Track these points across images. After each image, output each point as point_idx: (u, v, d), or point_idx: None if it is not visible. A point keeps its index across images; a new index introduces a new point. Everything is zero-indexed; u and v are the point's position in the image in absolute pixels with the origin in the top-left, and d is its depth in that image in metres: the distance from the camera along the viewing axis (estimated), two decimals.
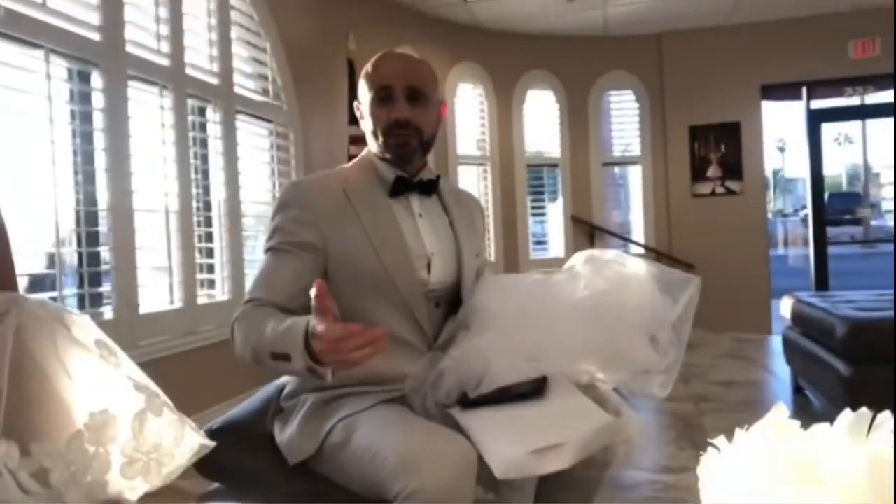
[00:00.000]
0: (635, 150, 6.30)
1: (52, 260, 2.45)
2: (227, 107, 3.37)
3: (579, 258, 1.44)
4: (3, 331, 0.96)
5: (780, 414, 0.74)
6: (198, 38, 3.23)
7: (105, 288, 2.63)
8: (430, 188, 1.47)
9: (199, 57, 3.23)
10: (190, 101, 3.12)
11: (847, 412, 0.68)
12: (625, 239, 6.22)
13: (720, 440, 0.78)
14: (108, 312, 2.62)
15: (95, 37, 2.59)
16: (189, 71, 3.10)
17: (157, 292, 2.93)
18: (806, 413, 3.32)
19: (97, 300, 2.62)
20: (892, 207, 13.42)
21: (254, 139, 3.69)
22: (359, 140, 3.30)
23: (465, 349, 1.30)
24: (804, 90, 5.95)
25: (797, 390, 3.73)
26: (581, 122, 6.17)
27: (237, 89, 3.48)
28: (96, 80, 2.61)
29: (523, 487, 1.29)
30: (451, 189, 1.58)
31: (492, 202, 5.90)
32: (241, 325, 1.27)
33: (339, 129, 4.25)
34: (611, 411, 1.28)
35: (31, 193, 2.32)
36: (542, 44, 6.01)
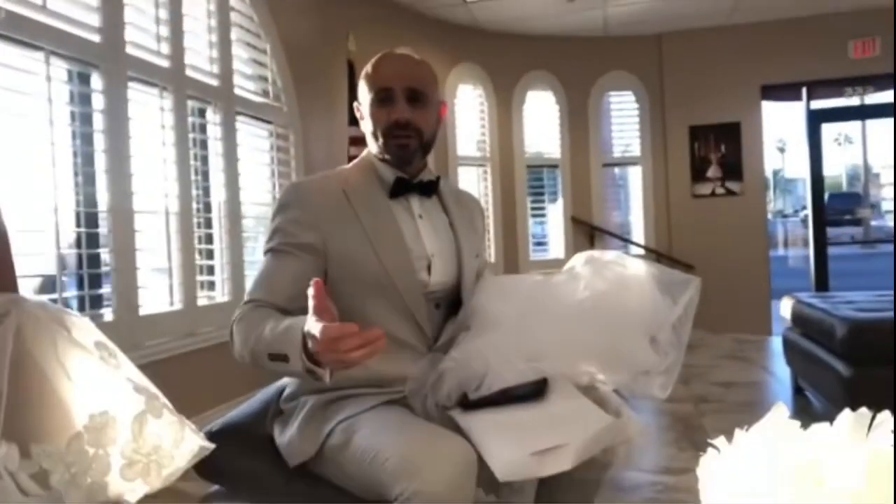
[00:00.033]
0: (635, 150, 6.30)
1: (62, 262, 2.46)
2: (227, 108, 3.37)
3: (579, 259, 1.44)
4: (3, 332, 0.96)
5: (779, 414, 0.74)
6: (198, 40, 3.23)
7: (105, 290, 2.63)
8: (430, 189, 1.47)
9: (199, 58, 3.23)
10: (190, 103, 3.12)
11: (847, 412, 0.68)
12: (625, 240, 6.22)
13: (720, 441, 0.78)
14: (108, 314, 2.62)
15: (95, 38, 2.59)
16: (189, 72, 3.10)
17: (157, 294, 2.93)
18: (806, 414, 3.31)
19: (97, 302, 2.62)
20: (892, 208, 13.41)
21: (254, 140, 3.69)
22: (359, 141, 3.30)
23: (466, 350, 1.30)
24: (804, 90, 5.95)
25: (797, 391, 3.72)
26: (581, 122, 6.17)
27: (237, 90, 3.48)
28: (96, 81, 2.61)
29: (523, 489, 1.29)
30: (451, 190, 1.57)
31: (492, 203, 5.90)
32: (239, 326, 1.27)
33: (340, 131, 4.25)
34: (611, 412, 1.28)
35: (32, 195, 2.32)
36: (542, 44, 6.01)
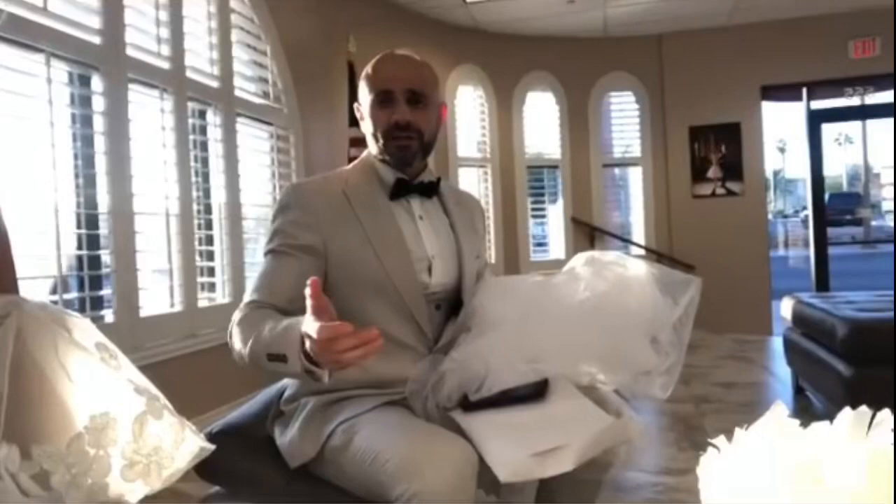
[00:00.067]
0: (635, 151, 6.30)
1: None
2: (227, 109, 3.37)
3: (579, 260, 1.44)
4: (4, 333, 0.96)
5: (779, 413, 0.74)
6: (198, 42, 3.23)
7: (106, 291, 2.63)
8: (430, 190, 1.47)
9: (200, 60, 3.23)
10: (190, 104, 3.12)
11: (847, 410, 0.68)
12: (625, 240, 6.22)
13: (720, 440, 0.78)
14: (108, 315, 2.62)
15: (96, 40, 2.59)
16: (189, 74, 3.11)
17: (157, 295, 2.94)
18: (807, 414, 3.31)
19: (98, 303, 2.62)
20: (892, 208, 13.41)
21: (254, 142, 3.69)
22: (359, 142, 3.31)
23: (466, 351, 1.30)
24: (804, 91, 5.96)
25: (798, 391, 3.72)
26: (581, 123, 6.17)
27: (237, 92, 3.48)
28: (97, 83, 2.62)
29: (524, 489, 1.29)
30: (451, 191, 1.57)
31: (492, 204, 5.90)
32: (239, 327, 1.26)
33: (340, 132, 4.25)
34: (611, 413, 1.28)
35: (32, 197, 2.32)
36: (542, 45, 6.02)
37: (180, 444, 1.04)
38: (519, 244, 6.06)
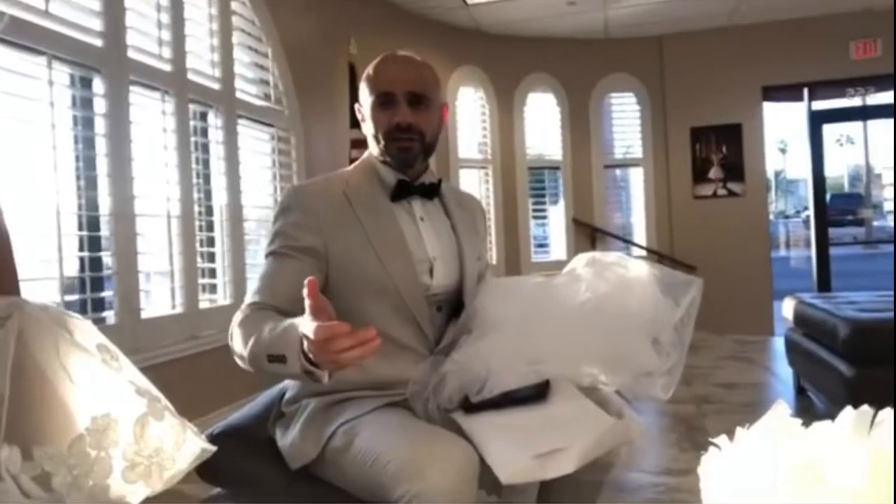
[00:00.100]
0: (636, 152, 6.30)
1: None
2: (228, 111, 3.38)
3: (580, 261, 1.44)
4: (5, 335, 0.96)
5: (780, 412, 0.74)
6: (199, 44, 3.23)
7: (107, 293, 2.64)
8: (432, 192, 1.47)
9: (201, 62, 3.24)
10: (192, 106, 3.13)
11: (849, 409, 0.68)
12: (626, 241, 6.22)
13: (721, 439, 0.78)
14: (110, 317, 2.62)
15: (98, 42, 2.59)
16: (191, 76, 3.11)
17: (158, 297, 2.94)
18: (809, 414, 3.30)
19: (99, 305, 2.62)
20: (893, 208, 13.39)
21: (255, 143, 3.69)
22: (360, 144, 3.30)
23: (467, 353, 1.30)
24: (805, 91, 5.95)
25: (800, 392, 3.72)
26: (582, 124, 6.17)
27: (239, 94, 3.49)
28: (98, 85, 2.62)
29: (526, 490, 1.29)
30: (452, 192, 1.57)
31: (493, 205, 5.90)
32: (240, 328, 1.26)
33: (341, 133, 4.26)
34: (613, 414, 1.27)
35: (34, 199, 2.32)
36: (543, 47, 6.02)
37: (181, 445, 1.04)
38: (520, 245, 6.06)
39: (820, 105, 6.04)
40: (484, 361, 1.27)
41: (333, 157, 4.20)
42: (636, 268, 1.39)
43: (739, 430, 0.77)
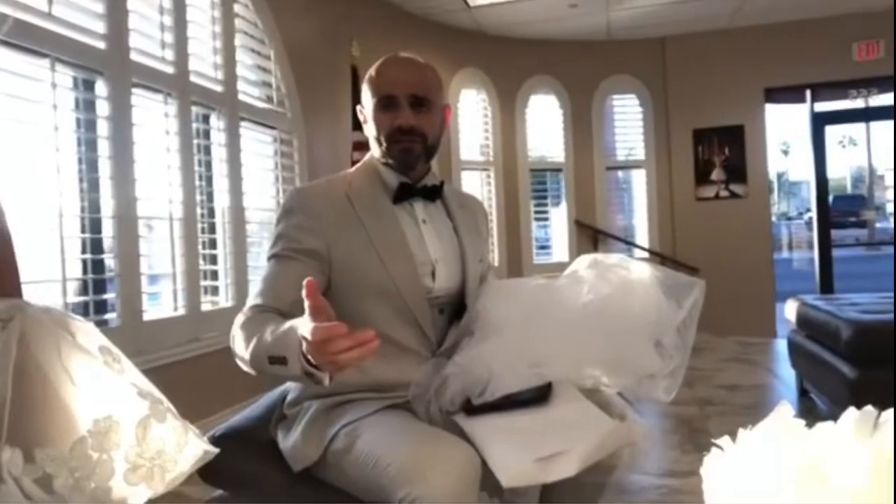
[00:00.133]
0: (639, 153, 6.30)
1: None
2: (231, 114, 3.38)
3: (583, 262, 1.43)
4: (7, 337, 0.96)
5: (783, 413, 0.74)
6: (202, 46, 3.24)
7: (110, 295, 2.64)
8: (434, 194, 1.47)
9: (204, 64, 3.24)
10: (194, 109, 3.13)
11: (852, 410, 0.68)
12: (628, 243, 6.21)
13: (724, 440, 0.78)
14: (112, 319, 2.62)
15: (100, 45, 2.60)
16: (193, 78, 3.12)
17: (161, 299, 2.94)
18: (812, 416, 3.28)
19: (102, 307, 2.62)
20: (894, 210, 13.37)
21: (258, 146, 3.70)
22: (362, 146, 3.31)
23: (469, 355, 1.30)
24: (808, 93, 5.95)
25: (803, 393, 3.71)
26: (584, 126, 6.17)
27: (241, 96, 3.49)
28: (101, 88, 2.63)
29: (528, 492, 1.29)
30: (454, 194, 1.57)
31: (495, 207, 5.90)
32: (241, 330, 1.26)
33: (343, 136, 4.26)
34: (615, 416, 1.27)
35: (36, 201, 2.33)
36: (545, 49, 6.02)
37: (183, 447, 1.04)
38: (522, 247, 6.06)
39: (822, 107, 6.04)
40: (486, 364, 1.27)
41: (335, 160, 4.21)
42: (638, 270, 1.38)
43: (742, 432, 0.77)
